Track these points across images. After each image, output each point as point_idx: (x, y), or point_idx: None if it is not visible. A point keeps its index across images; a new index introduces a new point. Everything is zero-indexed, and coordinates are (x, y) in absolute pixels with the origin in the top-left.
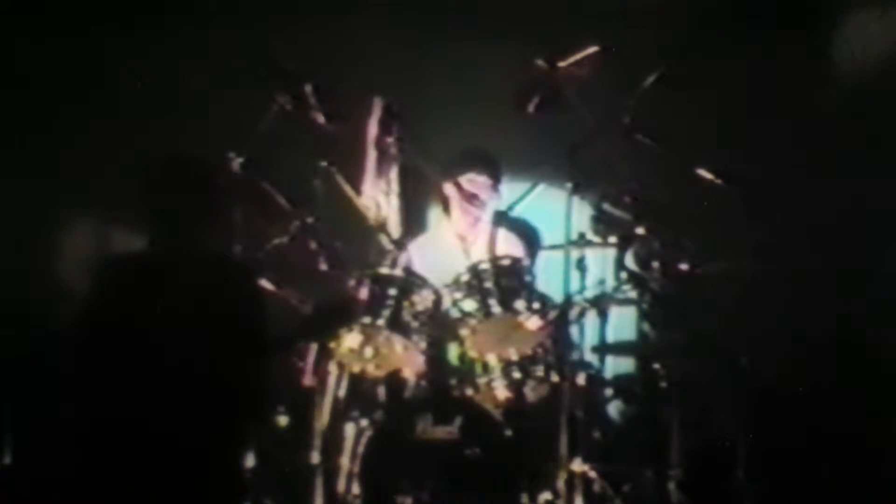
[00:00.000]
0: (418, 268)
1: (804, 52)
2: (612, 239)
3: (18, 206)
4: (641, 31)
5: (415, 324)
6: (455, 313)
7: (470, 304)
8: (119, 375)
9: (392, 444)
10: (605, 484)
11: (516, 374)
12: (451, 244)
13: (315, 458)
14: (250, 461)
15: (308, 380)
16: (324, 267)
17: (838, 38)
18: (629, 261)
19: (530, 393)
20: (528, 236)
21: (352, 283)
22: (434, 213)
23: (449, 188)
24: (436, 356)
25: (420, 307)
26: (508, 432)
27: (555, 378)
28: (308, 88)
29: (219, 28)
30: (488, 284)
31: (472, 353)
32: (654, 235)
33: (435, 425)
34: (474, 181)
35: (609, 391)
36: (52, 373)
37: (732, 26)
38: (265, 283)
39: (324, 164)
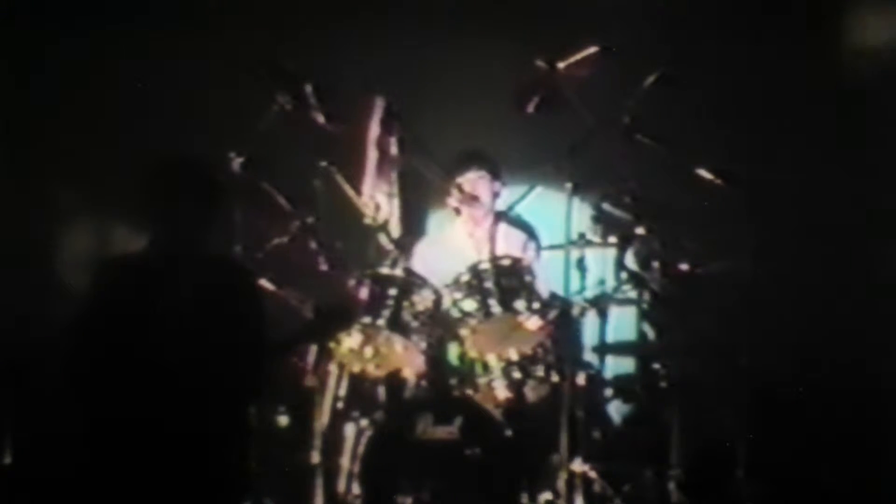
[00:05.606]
0: (429, 265)
1: (804, 52)
2: (612, 239)
3: (18, 205)
4: (641, 31)
5: (415, 324)
6: (455, 313)
7: (470, 304)
8: (119, 376)
9: (392, 444)
10: (605, 484)
11: (516, 374)
12: (463, 242)
13: (315, 458)
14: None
15: (308, 380)
16: (324, 267)
17: (839, 37)
18: (629, 261)
19: (530, 393)
20: (533, 234)
21: (352, 283)
22: (434, 213)
23: (452, 191)
24: (436, 356)
25: (420, 307)
26: (508, 432)
27: (555, 378)
28: (308, 88)
29: (219, 28)
30: (488, 284)
31: (472, 353)
32: (654, 235)
33: (435, 425)
34: (473, 179)
35: (609, 391)
36: (52, 373)
37: (732, 26)
38: (265, 283)
39: (324, 164)
